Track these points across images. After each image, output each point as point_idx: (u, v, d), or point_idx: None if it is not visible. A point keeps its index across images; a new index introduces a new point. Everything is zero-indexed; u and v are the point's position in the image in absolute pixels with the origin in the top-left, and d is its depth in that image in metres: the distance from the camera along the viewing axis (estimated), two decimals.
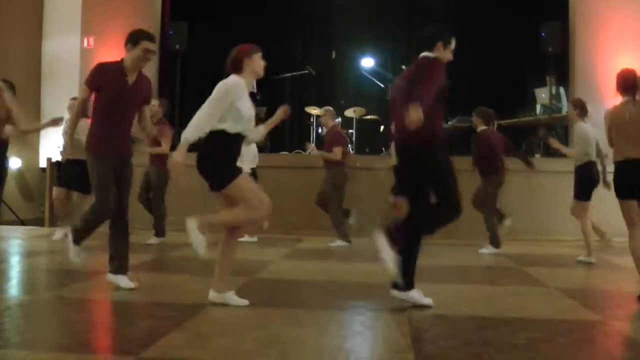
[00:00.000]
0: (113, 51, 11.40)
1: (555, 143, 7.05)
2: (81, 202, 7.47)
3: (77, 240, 4.79)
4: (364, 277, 5.72)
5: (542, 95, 10.61)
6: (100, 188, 4.67)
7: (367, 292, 5.03)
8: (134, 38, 4.70)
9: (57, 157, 10.07)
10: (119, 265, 4.78)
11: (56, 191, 7.89)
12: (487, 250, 7.48)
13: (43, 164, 10.33)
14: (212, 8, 13.02)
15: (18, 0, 11.30)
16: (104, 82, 4.63)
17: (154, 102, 7.99)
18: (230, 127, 4.13)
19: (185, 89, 11.76)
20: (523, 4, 11.74)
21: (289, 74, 12.04)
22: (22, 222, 10.03)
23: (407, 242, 4.30)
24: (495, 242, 7.47)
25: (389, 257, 4.27)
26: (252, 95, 14.06)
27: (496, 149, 7.54)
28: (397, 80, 4.69)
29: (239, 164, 4.31)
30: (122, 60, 4.71)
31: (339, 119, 11.84)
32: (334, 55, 12.84)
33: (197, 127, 4.09)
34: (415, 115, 3.83)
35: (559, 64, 10.80)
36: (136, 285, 4.78)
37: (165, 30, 11.98)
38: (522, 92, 11.51)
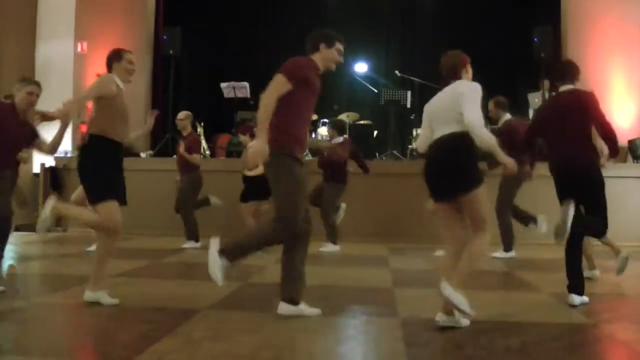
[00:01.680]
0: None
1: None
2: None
3: (233, 257, 4.04)
4: (357, 281, 5.73)
5: (535, 100, 10.67)
6: (298, 195, 4.09)
7: (360, 297, 5.04)
8: (328, 39, 4.31)
9: (50, 162, 10.07)
10: (299, 288, 4.22)
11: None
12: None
13: (36, 169, 10.31)
14: (205, 14, 13.07)
15: (12, 5, 11.30)
16: (306, 77, 4.20)
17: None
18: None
19: (179, 94, 11.77)
20: (515, 9, 11.82)
21: None
22: (16, 228, 9.96)
23: (571, 247, 4.66)
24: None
25: None
26: (246, 100, 14.02)
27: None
28: (555, 110, 5.18)
29: None
30: (311, 59, 4.35)
31: None
32: None
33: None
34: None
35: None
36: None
37: (159, 36, 12.01)
38: (515, 97, 11.57)
